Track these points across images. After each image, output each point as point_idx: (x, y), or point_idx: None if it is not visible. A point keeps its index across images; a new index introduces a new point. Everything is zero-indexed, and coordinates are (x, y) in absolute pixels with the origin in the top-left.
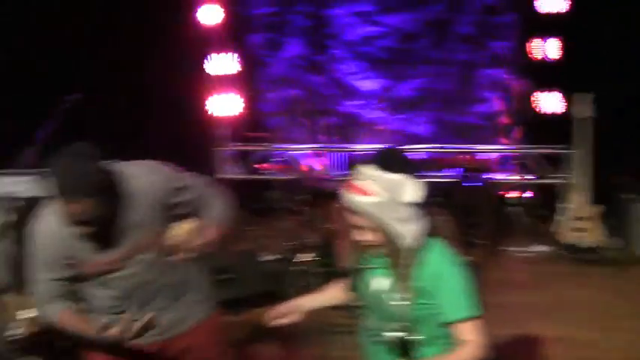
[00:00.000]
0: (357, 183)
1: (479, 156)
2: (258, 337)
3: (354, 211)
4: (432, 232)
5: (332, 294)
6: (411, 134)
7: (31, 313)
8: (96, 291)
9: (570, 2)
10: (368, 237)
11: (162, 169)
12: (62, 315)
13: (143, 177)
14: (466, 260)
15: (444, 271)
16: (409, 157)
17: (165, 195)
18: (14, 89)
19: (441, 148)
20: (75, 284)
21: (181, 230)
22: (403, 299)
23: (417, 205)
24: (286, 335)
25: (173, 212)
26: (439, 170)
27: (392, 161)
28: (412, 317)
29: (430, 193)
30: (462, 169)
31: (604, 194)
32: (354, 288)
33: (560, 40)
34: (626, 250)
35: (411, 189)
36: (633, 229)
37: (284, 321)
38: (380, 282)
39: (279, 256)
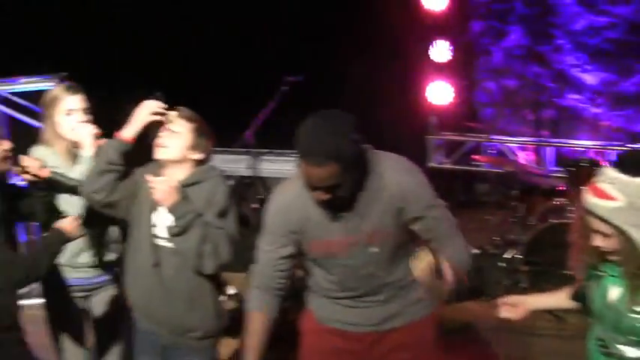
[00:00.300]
0: (599, 185)
1: None
2: (457, 330)
3: (592, 214)
4: None
5: (558, 298)
6: (633, 132)
7: (234, 290)
8: (315, 269)
9: None
10: (605, 243)
11: (419, 175)
12: (253, 313)
13: (398, 173)
14: None
15: None
16: None
17: (406, 202)
18: (238, 68)
19: None
20: (293, 260)
21: (422, 262)
22: (638, 312)
23: None
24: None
25: (406, 224)
26: None
27: (635, 164)
28: (635, 331)
29: None
30: None
31: None
32: (581, 296)
33: None
34: None
35: None
36: None
37: (511, 315)
38: (615, 292)
39: (481, 251)
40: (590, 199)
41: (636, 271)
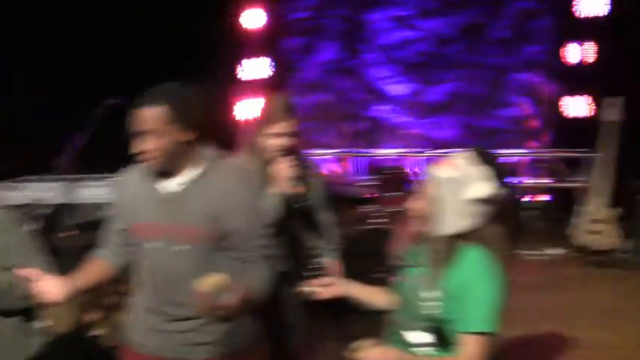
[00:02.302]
0: (449, 159)
1: (505, 160)
2: None
3: (429, 181)
4: (479, 239)
5: (376, 292)
6: (435, 139)
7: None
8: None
9: (610, 6)
10: (422, 205)
11: (251, 195)
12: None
13: (232, 180)
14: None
15: (474, 279)
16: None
17: (225, 212)
18: (53, 92)
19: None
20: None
21: (208, 283)
22: (433, 298)
23: (481, 205)
24: None
25: (220, 234)
26: None
27: (487, 155)
28: (437, 318)
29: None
30: None
31: (621, 198)
32: (394, 288)
33: (597, 44)
34: (637, 252)
35: (486, 186)
36: None
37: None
38: (417, 277)
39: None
40: (434, 168)
41: (438, 256)
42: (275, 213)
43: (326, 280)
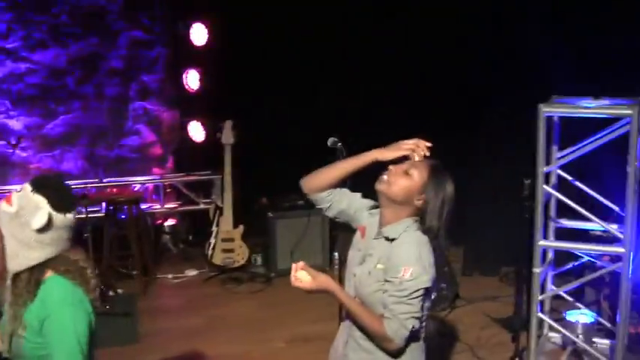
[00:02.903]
0: (7, 196)
1: (133, 188)
2: None
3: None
4: (58, 268)
5: None
6: (62, 172)
7: None
8: None
9: (209, 36)
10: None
11: None
12: None
13: None
14: (89, 300)
15: (52, 311)
16: (69, 190)
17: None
18: None
19: (92, 183)
20: None
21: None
22: (16, 334)
23: (46, 233)
24: None
25: None
26: (91, 206)
27: (42, 183)
28: (24, 354)
29: (78, 228)
30: (110, 203)
31: (251, 215)
32: None
33: (201, 71)
34: (270, 264)
35: (43, 215)
36: (276, 244)
37: None
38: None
39: None
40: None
41: (16, 290)
42: None
43: None
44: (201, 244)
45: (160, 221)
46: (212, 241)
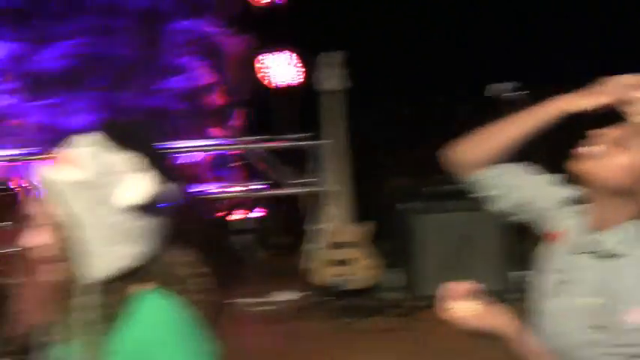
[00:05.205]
0: (65, 152)
1: (179, 159)
2: None
3: (43, 193)
4: (157, 277)
5: None
6: (64, 130)
7: None
8: None
9: None
10: (49, 237)
11: None
12: None
13: None
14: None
15: (156, 337)
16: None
17: None
18: None
19: None
20: None
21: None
22: None
23: (142, 216)
24: None
25: None
26: None
27: (125, 134)
28: None
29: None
30: None
31: (378, 207)
32: None
33: None
34: (412, 287)
35: (138, 183)
36: (424, 255)
37: None
38: (65, 351)
39: None
40: (45, 171)
41: (86, 312)
42: None
43: None
44: (294, 251)
45: (222, 214)
46: (311, 246)
